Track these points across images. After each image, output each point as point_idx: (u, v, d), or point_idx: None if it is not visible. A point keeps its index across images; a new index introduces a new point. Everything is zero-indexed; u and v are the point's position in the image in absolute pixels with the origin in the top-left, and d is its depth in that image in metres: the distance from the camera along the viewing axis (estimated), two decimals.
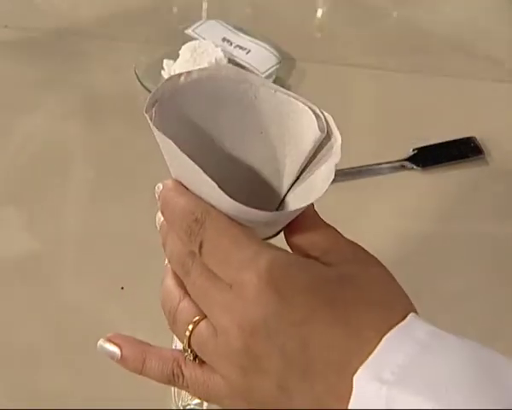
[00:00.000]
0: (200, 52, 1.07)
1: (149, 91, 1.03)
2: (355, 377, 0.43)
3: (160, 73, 1.07)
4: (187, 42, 1.09)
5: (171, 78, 0.51)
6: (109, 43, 1.14)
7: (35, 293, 0.82)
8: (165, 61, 1.08)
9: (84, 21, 1.20)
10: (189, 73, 0.51)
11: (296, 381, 0.45)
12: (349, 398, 0.43)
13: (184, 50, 1.08)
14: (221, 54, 1.08)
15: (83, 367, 0.77)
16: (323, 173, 0.50)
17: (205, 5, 1.21)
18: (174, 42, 1.10)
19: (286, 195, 0.53)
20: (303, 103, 0.51)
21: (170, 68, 1.07)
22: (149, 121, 0.49)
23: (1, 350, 0.78)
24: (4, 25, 1.15)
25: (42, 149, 0.98)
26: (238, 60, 1.10)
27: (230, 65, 0.52)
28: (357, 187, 0.94)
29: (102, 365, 0.77)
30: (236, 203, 0.46)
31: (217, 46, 1.09)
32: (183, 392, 0.70)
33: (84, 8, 1.22)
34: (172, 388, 0.71)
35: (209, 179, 0.46)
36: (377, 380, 0.42)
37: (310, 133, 0.50)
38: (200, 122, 0.51)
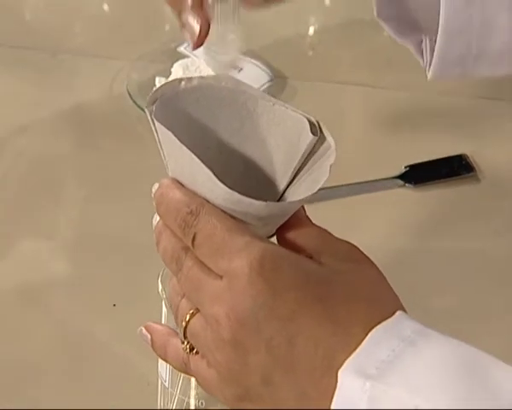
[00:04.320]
0: (193, 70, 1.08)
1: (142, 109, 1.03)
2: (340, 371, 0.43)
3: (153, 90, 1.07)
4: (179, 60, 1.09)
5: (171, 81, 0.52)
6: (101, 60, 1.14)
7: (26, 310, 0.82)
8: (157, 78, 1.08)
9: (75, 39, 1.20)
10: (189, 79, 0.52)
11: (281, 376, 0.45)
12: (333, 393, 0.43)
13: (176, 68, 1.08)
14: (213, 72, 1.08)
15: (74, 384, 0.77)
16: (318, 174, 0.51)
17: None
18: (166, 60, 1.11)
19: (281, 197, 0.53)
20: (299, 113, 0.52)
21: None
22: (149, 115, 0.49)
23: None
24: None
25: (34, 166, 0.98)
26: None
27: (231, 75, 0.53)
28: (349, 204, 0.94)
29: (92, 382, 0.77)
30: (230, 191, 0.46)
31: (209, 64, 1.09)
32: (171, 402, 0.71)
33: (76, 26, 1.23)
34: (159, 396, 0.71)
35: (205, 167, 0.46)
36: (361, 375, 0.42)
37: (303, 137, 0.51)
38: (196, 129, 0.52)
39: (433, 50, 0.66)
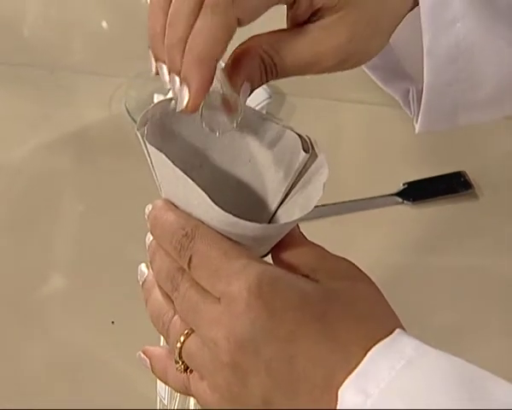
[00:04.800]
0: None
1: None
2: (340, 390, 0.43)
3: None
4: None
5: (161, 101, 0.51)
6: (99, 77, 1.14)
7: (24, 328, 0.82)
8: (155, 95, 1.09)
9: (74, 56, 1.21)
10: None
11: (281, 397, 0.45)
12: None
13: None
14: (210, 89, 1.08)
15: (73, 401, 0.77)
16: (311, 192, 0.50)
17: None
18: None
19: (274, 215, 0.53)
20: (291, 130, 0.52)
21: None
22: (140, 138, 0.49)
23: None
24: None
25: (32, 183, 0.98)
26: None
27: (221, 92, 0.52)
28: (347, 221, 0.94)
29: (92, 398, 0.77)
30: (226, 214, 0.46)
31: None
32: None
33: (75, 43, 1.23)
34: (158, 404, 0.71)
35: (199, 189, 0.46)
36: (362, 393, 0.42)
37: (295, 154, 0.51)
38: (188, 147, 0.52)
39: (420, 101, 0.65)
